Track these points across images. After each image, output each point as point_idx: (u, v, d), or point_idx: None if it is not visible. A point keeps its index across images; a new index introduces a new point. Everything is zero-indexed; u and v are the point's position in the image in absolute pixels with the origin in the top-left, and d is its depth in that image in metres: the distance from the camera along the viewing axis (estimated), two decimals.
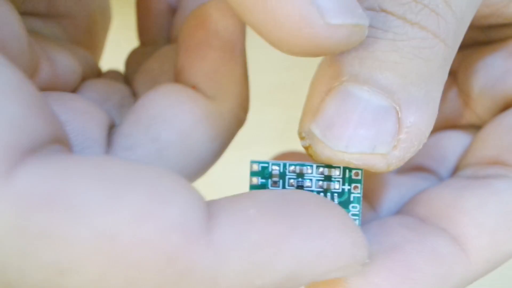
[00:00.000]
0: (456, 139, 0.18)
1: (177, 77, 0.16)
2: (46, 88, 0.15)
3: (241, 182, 0.15)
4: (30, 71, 0.13)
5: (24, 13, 0.18)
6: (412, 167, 0.18)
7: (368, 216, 0.17)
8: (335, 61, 0.14)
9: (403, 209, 0.16)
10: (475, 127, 0.18)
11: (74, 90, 0.16)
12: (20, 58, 0.13)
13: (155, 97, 0.15)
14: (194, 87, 0.15)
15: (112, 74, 0.20)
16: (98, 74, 0.20)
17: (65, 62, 0.16)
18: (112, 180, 0.10)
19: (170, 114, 0.15)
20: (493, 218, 0.14)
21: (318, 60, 0.15)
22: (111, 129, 0.15)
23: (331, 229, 0.11)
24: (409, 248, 0.14)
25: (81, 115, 0.14)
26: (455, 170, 0.18)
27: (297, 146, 0.18)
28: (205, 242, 0.10)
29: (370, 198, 0.17)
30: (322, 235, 0.11)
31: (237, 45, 0.16)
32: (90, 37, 0.20)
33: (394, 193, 0.17)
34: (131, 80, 0.19)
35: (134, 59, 0.20)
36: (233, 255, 0.10)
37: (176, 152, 0.15)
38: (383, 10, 0.13)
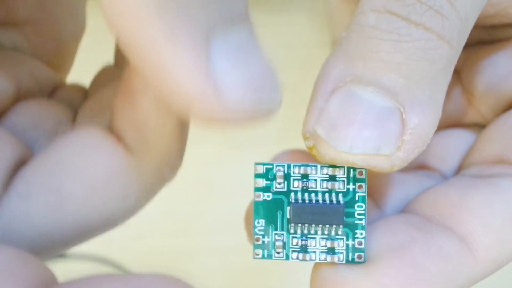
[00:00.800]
0: (460, 137, 0.18)
1: (111, 119, 0.14)
2: None
3: (241, 182, 0.15)
4: None
5: None
6: (416, 165, 0.18)
7: (373, 214, 0.17)
8: (339, 61, 0.14)
9: (408, 208, 0.16)
10: (479, 126, 0.18)
11: (3, 111, 0.15)
12: None
13: (71, 142, 0.14)
14: (119, 136, 0.14)
15: (70, 91, 0.18)
16: (53, 87, 0.18)
17: None
18: None
19: (80, 166, 0.13)
20: (499, 217, 0.14)
21: (318, 60, 0.15)
22: (23, 163, 0.14)
23: None
24: (416, 248, 0.14)
25: None
26: (459, 168, 0.18)
27: (297, 146, 0.18)
28: None
29: (375, 196, 0.17)
30: None
31: None
32: (55, 45, 0.19)
33: (399, 191, 0.17)
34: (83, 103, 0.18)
35: (101, 79, 0.19)
36: None
37: (78, 208, 0.13)
38: (388, 11, 0.13)
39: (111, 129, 0.14)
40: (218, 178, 0.17)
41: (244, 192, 0.18)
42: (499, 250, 0.14)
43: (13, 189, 0.13)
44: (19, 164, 0.14)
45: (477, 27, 0.14)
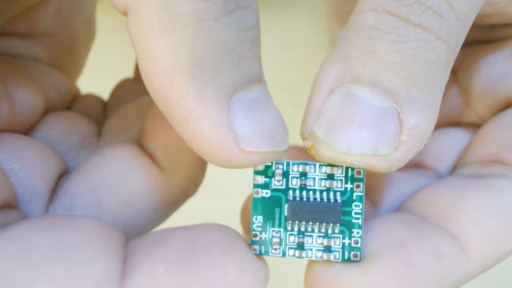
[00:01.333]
0: (456, 137, 0.18)
1: (141, 137, 0.16)
2: (4, 127, 0.15)
3: (241, 182, 0.15)
4: None
5: (4, 34, 0.18)
6: (412, 164, 0.18)
7: (368, 212, 0.17)
8: (338, 61, 0.14)
9: (404, 206, 0.16)
10: (475, 125, 0.18)
11: (34, 124, 0.16)
12: None
13: (109, 159, 0.15)
14: (151, 155, 0.16)
15: (87, 102, 0.19)
16: (72, 97, 0.19)
17: (25, 98, 0.16)
18: (36, 257, 0.11)
19: (119, 182, 0.15)
20: (493, 218, 0.14)
21: (318, 61, 0.15)
22: (63, 176, 0.15)
23: (230, 275, 0.12)
24: (411, 247, 0.14)
25: (29, 166, 0.14)
26: (455, 168, 0.18)
27: (296, 145, 0.19)
28: None
29: (370, 195, 0.17)
30: (221, 283, 0.12)
31: None
32: (70, 54, 0.20)
33: (395, 189, 0.17)
34: (107, 115, 0.19)
35: (121, 92, 0.20)
36: None
37: (115, 219, 0.15)
38: (386, 11, 0.13)
39: (141, 146, 0.16)
40: (218, 178, 0.17)
41: (244, 192, 0.18)
42: (492, 251, 0.14)
43: (58, 201, 0.14)
44: (60, 177, 0.15)
45: (475, 26, 0.14)
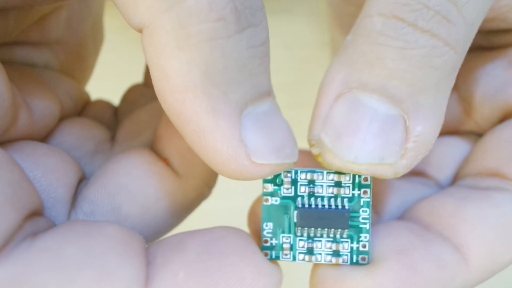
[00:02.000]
0: (456, 146, 0.19)
1: (155, 143, 0.17)
2: (23, 135, 0.15)
3: (242, 181, 0.16)
4: (10, 122, 0.14)
5: (18, 43, 0.18)
6: (414, 172, 0.19)
7: (371, 219, 0.17)
8: (344, 66, 0.14)
9: (407, 215, 0.17)
10: (474, 134, 0.19)
11: (50, 131, 0.17)
12: (2, 115, 0.13)
13: (126, 165, 0.16)
14: (166, 160, 0.16)
15: (98, 107, 0.20)
16: (84, 103, 0.20)
17: (42, 106, 0.16)
18: (66, 265, 0.12)
19: (136, 187, 0.15)
20: (493, 230, 0.15)
21: (318, 61, 0.15)
22: (81, 182, 0.16)
23: (247, 279, 0.13)
24: (415, 254, 0.14)
25: (50, 173, 0.15)
26: (455, 178, 0.18)
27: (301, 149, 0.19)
28: None
29: (373, 203, 0.18)
30: (238, 286, 0.13)
31: None
32: (80, 60, 0.20)
33: (397, 198, 0.18)
34: (119, 120, 0.19)
35: (132, 97, 0.21)
36: None
37: (134, 224, 0.15)
38: (395, 16, 0.13)
39: (155, 151, 0.16)
40: (219, 178, 0.17)
41: (245, 192, 0.19)
42: (491, 261, 0.15)
43: (79, 207, 0.15)
44: (79, 183, 0.15)
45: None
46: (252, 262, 0.13)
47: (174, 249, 0.13)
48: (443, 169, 0.18)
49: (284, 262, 0.15)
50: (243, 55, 0.12)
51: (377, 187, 0.18)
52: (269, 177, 0.15)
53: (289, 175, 0.15)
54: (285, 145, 0.13)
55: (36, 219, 0.13)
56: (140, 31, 0.12)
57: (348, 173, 0.14)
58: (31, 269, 0.11)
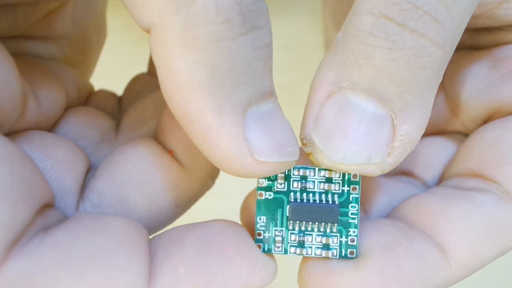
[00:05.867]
0: (442, 147, 0.19)
1: (159, 134, 0.17)
2: (32, 125, 0.15)
3: (241, 181, 0.16)
4: (20, 112, 0.14)
5: (25, 37, 0.18)
6: (401, 171, 0.19)
7: (360, 217, 0.18)
8: (334, 65, 0.14)
9: (393, 213, 0.17)
10: (460, 134, 0.19)
11: (57, 121, 0.17)
12: (12, 106, 0.14)
13: (133, 157, 0.16)
14: (171, 151, 0.16)
15: (102, 97, 0.20)
16: (88, 94, 0.20)
17: (50, 96, 0.16)
18: (76, 261, 0.12)
19: (143, 180, 0.16)
20: (474, 229, 0.15)
21: (317, 62, 0.15)
22: (88, 172, 0.16)
23: (244, 272, 0.14)
24: (399, 250, 0.15)
25: (59, 164, 0.15)
26: (441, 177, 0.19)
27: None
28: None
29: (361, 201, 0.18)
30: (236, 279, 0.14)
31: None
32: (83, 55, 0.21)
33: (385, 197, 0.18)
34: (123, 109, 0.20)
35: (136, 86, 0.21)
36: None
37: (140, 215, 0.16)
38: (384, 16, 0.13)
39: (160, 143, 0.17)
40: (219, 177, 0.18)
41: (244, 192, 0.19)
42: (472, 259, 0.15)
43: (87, 198, 0.15)
44: (86, 173, 0.16)
45: None
46: (248, 256, 0.14)
47: (174, 244, 0.14)
48: (429, 170, 0.19)
49: (282, 261, 0.16)
50: (248, 56, 0.12)
51: (366, 186, 0.18)
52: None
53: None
54: (287, 143, 0.14)
55: (47, 213, 0.13)
56: (148, 31, 0.13)
57: (337, 171, 0.15)
58: (43, 265, 0.12)
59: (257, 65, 0.13)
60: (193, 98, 0.12)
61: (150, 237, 0.14)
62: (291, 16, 0.40)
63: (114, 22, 0.30)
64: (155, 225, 0.16)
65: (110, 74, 0.27)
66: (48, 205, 0.14)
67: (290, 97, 0.32)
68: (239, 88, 0.13)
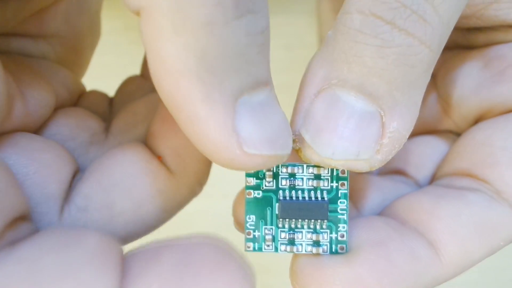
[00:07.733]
0: (434, 146, 0.19)
1: (149, 138, 0.17)
2: (18, 126, 0.15)
3: (241, 181, 0.16)
4: (5, 113, 0.14)
5: (15, 34, 0.18)
6: (393, 170, 0.19)
7: (352, 215, 0.18)
8: (325, 62, 0.14)
9: (385, 211, 0.17)
10: (453, 133, 0.19)
11: (46, 121, 0.17)
12: None
13: (122, 162, 0.16)
14: (160, 157, 0.16)
15: (93, 98, 0.20)
16: (79, 94, 0.20)
17: (38, 96, 0.16)
18: (42, 278, 0.11)
19: (131, 185, 0.15)
20: (465, 228, 0.15)
21: None
22: (75, 175, 0.16)
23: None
24: (391, 246, 0.15)
25: (44, 168, 0.15)
26: (433, 176, 0.19)
27: None
28: None
29: (354, 199, 0.18)
30: None
31: None
32: (75, 55, 0.20)
33: (377, 195, 0.18)
34: (114, 111, 0.19)
35: (128, 89, 0.21)
36: None
37: (127, 220, 0.15)
38: (373, 14, 0.13)
39: (149, 147, 0.16)
40: (218, 178, 0.18)
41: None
42: (462, 257, 0.15)
43: (72, 202, 0.15)
44: (73, 176, 0.16)
45: (454, 29, 0.15)
46: (225, 273, 0.13)
47: (150, 260, 0.13)
48: (422, 169, 0.19)
49: (279, 261, 0.16)
50: (241, 42, 0.12)
51: (359, 184, 0.18)
52: (253, 171, 0.15)
53: (270, 168, 0.15)
54: (279, 136, 0.13)
55: (18, 226, 0.13)
56: (138, 14, 0.12)
57: (326, 167, 0.15)
58: (6, 281, 0.11)
59: (251, 52, 0.12)
60: (181, 85, 0.12)
61: (126, 251, 0.14)
62: (291, 16, 0.40)
63: (114, 22, 0.30)
64: (141, 231, 0.16)
65: (110, 74, 0.28)
66: (21, 218, 0.13)
67: (290, 97, 0.32)
68: (230, 76, 0.12)
